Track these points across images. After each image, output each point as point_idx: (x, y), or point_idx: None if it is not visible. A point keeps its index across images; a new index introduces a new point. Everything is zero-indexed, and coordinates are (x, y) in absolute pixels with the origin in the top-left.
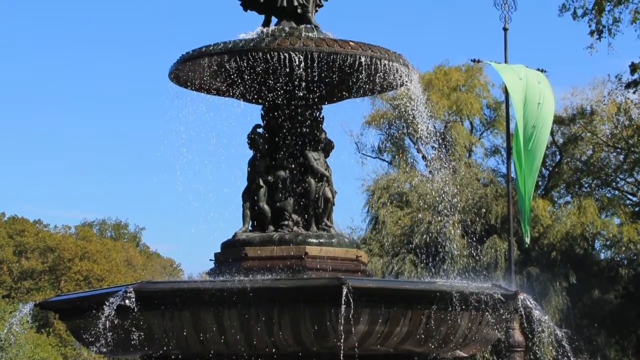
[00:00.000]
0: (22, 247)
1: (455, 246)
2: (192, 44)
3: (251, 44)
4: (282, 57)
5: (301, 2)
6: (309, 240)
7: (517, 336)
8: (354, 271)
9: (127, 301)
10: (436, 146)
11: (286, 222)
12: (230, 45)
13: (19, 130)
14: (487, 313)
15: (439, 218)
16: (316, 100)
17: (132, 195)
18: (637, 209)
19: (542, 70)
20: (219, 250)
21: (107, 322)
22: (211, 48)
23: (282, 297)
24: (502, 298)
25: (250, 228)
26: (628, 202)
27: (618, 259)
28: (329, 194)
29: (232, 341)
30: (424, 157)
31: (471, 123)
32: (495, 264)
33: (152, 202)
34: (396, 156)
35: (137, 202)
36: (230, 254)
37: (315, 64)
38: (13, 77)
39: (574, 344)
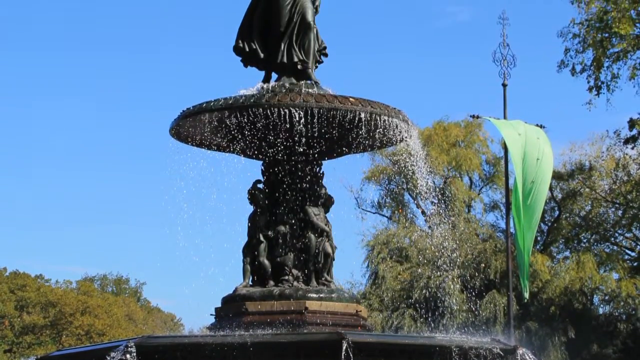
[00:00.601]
0: (24, 302)
1: (454, 301)
2: (193, 100)
3: (251, 100)
4: (283, 113)
5: (301, 58)
6: (309, 295)
7: None
8: (353, 326)
9: (128, 356)
10: (435, 201)
11: (286, 277)
12: (230, 101)
13: (20, 186)
14: None
15: (439, 273)
16: (316, 155)
17: (133, 251)
18: (635, 264)
19: (541, 126)
20: (219, 305)
21: None
22: (212, 104)
23: (283, 351)
24: (501, 352)
25: (250, 283)
26: (626, 257)
27: (617, 313)
28: (329, 249)
29: None
30: (423, 213)
31: (470, 178)
32: (495, 319)
33: (153, 257)
34: (396, 211)
35: (138, 257)
36: (231, 309)
37: (315, 120)
38: (13, 131)
39: None
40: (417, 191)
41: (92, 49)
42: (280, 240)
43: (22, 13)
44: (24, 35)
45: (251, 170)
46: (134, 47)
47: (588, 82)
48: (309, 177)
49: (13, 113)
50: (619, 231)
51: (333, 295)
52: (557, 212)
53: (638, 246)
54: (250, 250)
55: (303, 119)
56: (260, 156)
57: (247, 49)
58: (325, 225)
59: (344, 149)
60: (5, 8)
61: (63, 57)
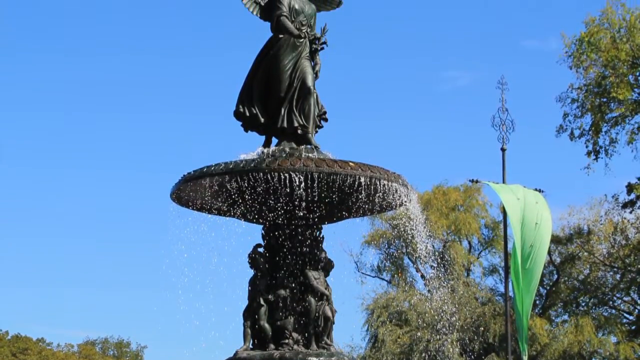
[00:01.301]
0: None
1: None
2: (193, 164)
3: (252, 165)
4: (283, 177)
5: (301, 123)
6: (309, 358)
7: None
8: None
9: None
10: (435, 265)
11: (286, 341)
12: (231, 166)
13: (21, 250)
14: None
15: (438, 336)
16: (316, 220)
17: (134, 314)
18: (633, 327)
19: (539, 191)
20: None
21: None
22: (212, 168)
23: None
24: None
25: (251, 346)
26: (625, 320)
27: None
28: (329, 313)
29: None
30: (422, 276)
31: (469, 242)
32: None
33: (154, 321)
34: (395, 275)
35: (139, 321)
36: None
37: (315, 184)
38: (14, 193)
39: None
40: (417, 255)
41: (90, 111)
42: (281, 304)
43: (20, 77)
44: (22, 99)
45: (251, 234)
46: (133, 111)
47: (587, 146)
48: (309, 241)
49: (12, 177)
50: (617, 295)
51: (333, 358)
52: (555, 276)
53: (636, 310)
54: (250, 313)
55: (303, 184)
56: (261, 220)
57: (248, 114)
58: (325, 289)
59: (344, 213)
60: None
61: (63, 121)
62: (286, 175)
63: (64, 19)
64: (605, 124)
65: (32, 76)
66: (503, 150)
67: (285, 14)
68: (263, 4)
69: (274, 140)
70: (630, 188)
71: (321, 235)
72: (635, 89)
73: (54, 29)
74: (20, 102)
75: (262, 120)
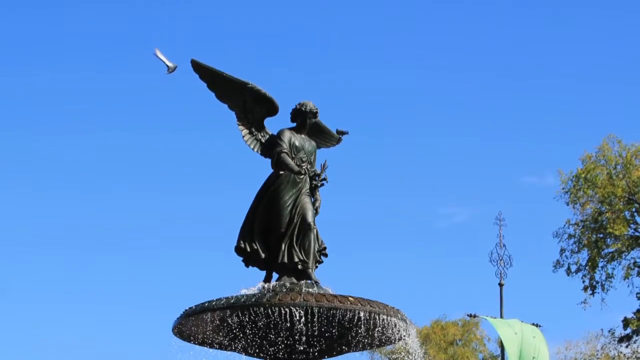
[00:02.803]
0: None
1: None
2: (194, 299)
3: (253, 299)
4: (283, 312)
5: (302, 258)
6: None
7: None
8: None
9: None
10: None
11: None
12: (232, 301)
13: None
14: None
15: None
16: (316, 354)
17: None
18: None
19: (537, 325)
20: None
21: None
22: (214, 303)
23: None
24: None
25: None
26: None
27: None
28: None
29: None
30: None
31: None
32: None
33: None
34: None
35: None
36: None
37: (315, 319)
38: (14, 329)
39: None
40: None
41: (86, 249)
42: None
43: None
44: (25, 238)
45: None
46: (131, 247)
47: (583, 281)
48: None
49: (9, 311)
50: None
51: None
52: None
53: None
54: None
55: (303, 318)
56: (262, 354)
57: (249, 250)
58: None
59: (344, 347)
60: None
61: (61, 255)
62: (287, 310)
63: (60, 151)
64: (601, 260)
65: (35, 213)
66: (501, 285)
67: (285, 150)
68: (264, 141)
69: (275, 275)
70: (626, 323)
71: None
72: (632, 225)
73: (48, 161)
74: (22, 238)
75: (263, 255)
